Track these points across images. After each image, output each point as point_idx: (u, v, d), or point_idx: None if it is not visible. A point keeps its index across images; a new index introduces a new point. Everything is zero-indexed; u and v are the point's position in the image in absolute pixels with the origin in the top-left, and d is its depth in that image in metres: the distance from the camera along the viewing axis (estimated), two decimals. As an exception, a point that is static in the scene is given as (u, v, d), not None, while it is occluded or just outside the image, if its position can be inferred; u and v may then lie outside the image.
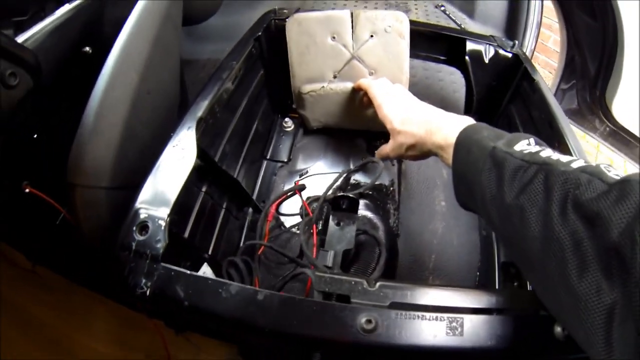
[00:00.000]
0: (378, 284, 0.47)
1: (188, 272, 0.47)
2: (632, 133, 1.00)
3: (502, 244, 0.47)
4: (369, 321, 0.42)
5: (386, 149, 0.62)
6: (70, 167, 0.58)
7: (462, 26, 1.23)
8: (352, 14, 0.72)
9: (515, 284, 0.64)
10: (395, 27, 0.71)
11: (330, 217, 0.56)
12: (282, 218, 0.74)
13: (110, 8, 0.74)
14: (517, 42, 0.80)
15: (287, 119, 0.87)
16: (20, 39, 0.63)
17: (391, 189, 0.76)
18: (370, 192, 0.73)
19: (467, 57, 0.79)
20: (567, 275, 0.33)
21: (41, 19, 0.67)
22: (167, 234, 0.50)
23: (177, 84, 0.73)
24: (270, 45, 0.79)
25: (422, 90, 0.86)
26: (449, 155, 0.52)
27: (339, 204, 0.56)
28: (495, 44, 0.79)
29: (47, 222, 0.66)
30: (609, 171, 0.35)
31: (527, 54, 1.11)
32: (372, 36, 0.72)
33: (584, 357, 0.35)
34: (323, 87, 0.75)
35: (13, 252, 0.78)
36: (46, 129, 0.67)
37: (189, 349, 0.69)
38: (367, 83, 0.70)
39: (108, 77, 0.61)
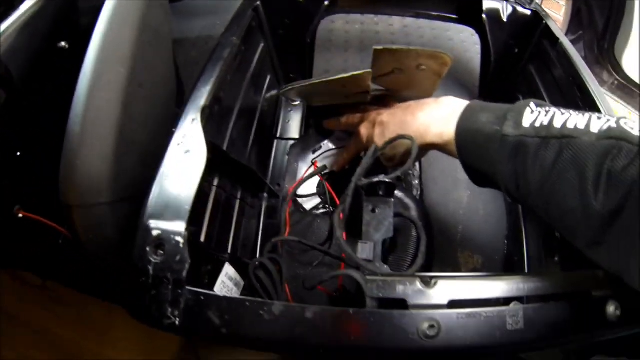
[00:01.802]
0: (433, 281, 0.39)
1: (220, 294, 0.39)
2: (641, 86, 0.91)
3: (541, 218, 0.41)
4: (431, 327, 0.36)
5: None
6: (62, 187, 0.47)
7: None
8: (375, 50, 0.49)
9: (556, 258, 0.58)
10: (431, 68, 0.51)
11: (364, 203, 0.47)
12: (300, 200, 0.65)
13: (84, -7, 0.59)
14: (535, -2, 0.69)
15: None
16: (-19, 44, 0.49)
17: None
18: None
19: (484, 16, 0.67)
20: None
21: (4, 16, 0.52)
22: (187, 252, 0.40)
23: (172, 70, 0.60)
24: (270, 14, 0.66)
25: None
26: (449, 150, 0.46)
27: (374, 189, 0.46)
28: (513, 1, 0.69)
29: (48, 244, 0.55)
30: (631, 128, 0.33)
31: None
32: (396, 71, 0.53)
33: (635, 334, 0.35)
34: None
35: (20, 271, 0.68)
36: (30, 144, 0.54)
37: (220, 350, 0.62)
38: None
39: (90, 75, 0.48)
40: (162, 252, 0.41)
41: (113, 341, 0.68)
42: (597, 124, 0.35)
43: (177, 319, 0.38)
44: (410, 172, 0.67)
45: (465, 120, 0.44)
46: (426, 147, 0.49)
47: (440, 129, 0.46)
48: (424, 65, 0.51)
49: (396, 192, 0.55)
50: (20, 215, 0.52)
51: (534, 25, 0.68)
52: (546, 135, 0.36)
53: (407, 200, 0.54)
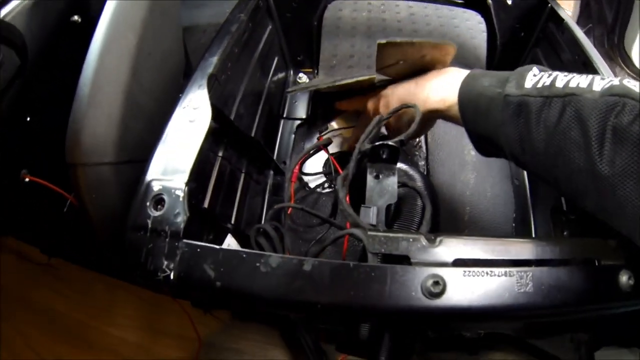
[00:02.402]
0: (438, 239, 0.36)
1: (217, 246, 0.36)
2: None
3: (548, 184, 0.39)
4: (436, 283, 0.33)
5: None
6: (68, 146, 0.46)
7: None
8: (379, 44, 0.47)
9: (565, 232, 0.54)
10: (436, 58, 0.49)
11: (368, 169, 0.45)
12: (306, 178, 0.63)
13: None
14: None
15: (300, 74, 0.74)
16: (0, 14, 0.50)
17: (417, 139, 0.64)
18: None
19: (489, 0, 0.66)
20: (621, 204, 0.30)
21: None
22: (187, 206, 0.39)
23: (180, 45, 0.60)
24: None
25: (438, 37, 0.73)
26: (452, 116, 0.45)
27: (378, 154, 0.44)
28: (519, -16, 0.68)
29: (53, 212, 0.54)
30: (634, 86, 0.32)
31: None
32: (400, 62, 0.51)
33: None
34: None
35: (26, 247, 0.67)
36: (40, 110, 0.54)
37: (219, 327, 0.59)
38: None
39: (101, 40, 0.49)
40: (161, 206, 0.40)
41: (116, 319, 0.66)
42: (600, 83, 0.34)
43: (172, 271, 0.37)
44: (417, 153, 0.64)
45: (467, 84, 0.43)
46: (430, 115, 0.48)
47: (443, 95, 0.45)
48: (428, 56, 0.49)
49: (401, 164, 0.53)
50: (27, 179, 0.52)
51: (540, 8, 0.66)
52: (549, 95, 0.35)
53: (412, 172, 0.52)
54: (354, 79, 0.49)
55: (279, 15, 0.67)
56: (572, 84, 0.35)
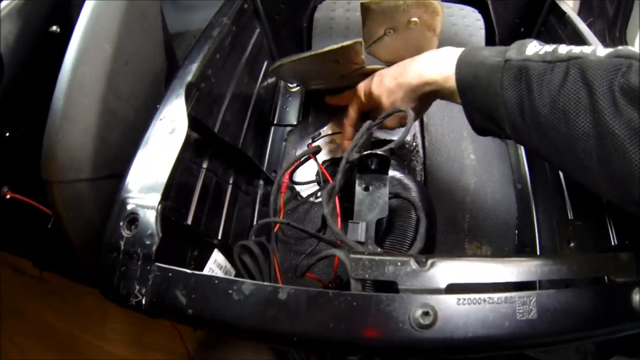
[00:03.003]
0: (429, 262, 0.32)
1: (189, 271, 0.33)
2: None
3: (549, 158, 0.37)
4: (425, 313, 0.29)
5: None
6: (43, 163, 0.43)
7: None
8: (362, 5, 0.46)
9: (572, 244, 0.50)
10: (424, 20, 0.47)
11: (357, 180, 0.41)
12: (298, 188, 0.60)
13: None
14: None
15: None
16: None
17: (414, 143, 0.60)
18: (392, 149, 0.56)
19: (487, -5, 0.62)
20: (631, 164, 0.29)
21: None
22: (159, 226, 0.36)
23: (162, 51, 0.57)
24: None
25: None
26: (448, 88, 0.42)
27: (366, 164, 0.40)
28: (517, -23, 0.63)
29: (38, 227, 0.52)
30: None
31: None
32: (388, 32, 0.48)
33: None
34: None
35: (20, 260, 0.65)
36: (19, 125, 0.52)
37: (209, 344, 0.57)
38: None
39: (75, 52, 0.46)
40: (135, 226, 0.37)
41: (107, 333, 0.64)
42: (602, 50, 0.32)
43: (144, 297, 0.34)
44: (414, 158, 0.60)
45: (466, 55, 0.41)
46: (425, 90, 0.45)
47: (440, 67, 0.43)
48: (415, 18, 0.46)
49: (395, 172, 0.50)
50: (8, 196, 0.49)
51: (540, 1, 0.62)
52: (551, 60, 0.34)
53: (407, 181, 0.48)
54: (339, 45, 0.46)
55: (267, 18, 0.64)
56: (576, 50, 0.34)
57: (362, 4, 0.44)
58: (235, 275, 0.50)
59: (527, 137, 0.37)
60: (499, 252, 0.56)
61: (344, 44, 0.45)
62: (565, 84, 0.32)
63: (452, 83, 0.41)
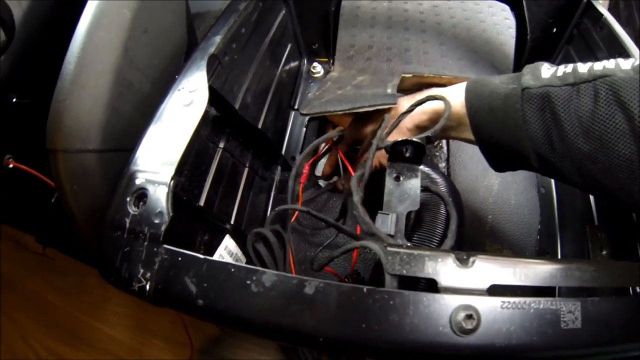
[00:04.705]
0: (471, 259, 0.27)
1: (201, 256, 0.28)
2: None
3: (583, 187, 0.32)
4: (468, 316, 0.24)
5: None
6: (49, 130, 0.38)
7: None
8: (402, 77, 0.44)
9: (604, 252, 0.45)
10: None
11: (387, 169, 0.36)
12: (317, 176, 0.55)
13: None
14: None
15: (315, 64, 0.65)
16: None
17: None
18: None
19: (521, -9, 0.56)
20: None
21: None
22: (171, 204, 0.31)
23: (183, 26, 0.51)
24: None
25: (462, 32, 0.63)
26: (459, 126, 0.37)
27: (400, 151, 0.35)
28: (553, -26, 0.57)
29: (41, 201, 0.47)
30: None
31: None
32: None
33: None
34: None
35: (23, 235, 0.60)
36: (28, 91, 0.46)
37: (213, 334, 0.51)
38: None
39: (92, 15, 0.40)
40: (143, 203, 0.31)
41: (108, 316, 0.59)
42: (625, 62, 0.29)
43: (149, 282, 0.28)
44: (437, 154, 0.55)
45: (474, 84, 0.35)
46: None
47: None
48: None
49: (422, 166, 0.44)
50: (11, 165, 0.44)
51: (574, 1, 0.56)
52: (574, 82, 0.29)
53: (435, 175, 0.43)
54: (374, 107, 0.41)
55: (294, 1, 0.58)
56: (597, 67, 0.29)
57: (403, 77, 0.43)
58: (247, 264, 0.45)
59: (558, 170, 0.32)
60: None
61: (379, 107, 0.41)
62: (598, 109, 0.28)
63: (463, 120, 0.35)
